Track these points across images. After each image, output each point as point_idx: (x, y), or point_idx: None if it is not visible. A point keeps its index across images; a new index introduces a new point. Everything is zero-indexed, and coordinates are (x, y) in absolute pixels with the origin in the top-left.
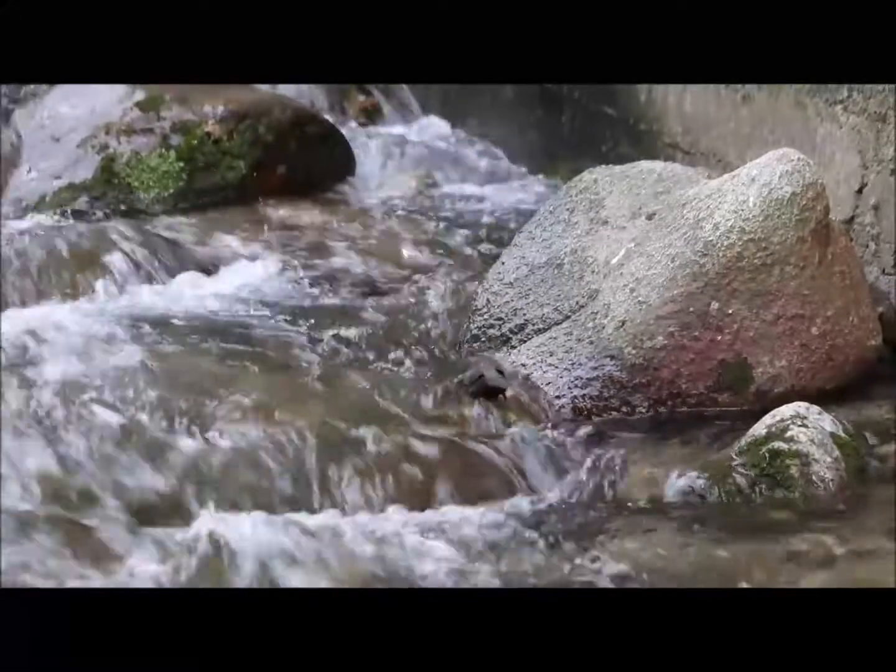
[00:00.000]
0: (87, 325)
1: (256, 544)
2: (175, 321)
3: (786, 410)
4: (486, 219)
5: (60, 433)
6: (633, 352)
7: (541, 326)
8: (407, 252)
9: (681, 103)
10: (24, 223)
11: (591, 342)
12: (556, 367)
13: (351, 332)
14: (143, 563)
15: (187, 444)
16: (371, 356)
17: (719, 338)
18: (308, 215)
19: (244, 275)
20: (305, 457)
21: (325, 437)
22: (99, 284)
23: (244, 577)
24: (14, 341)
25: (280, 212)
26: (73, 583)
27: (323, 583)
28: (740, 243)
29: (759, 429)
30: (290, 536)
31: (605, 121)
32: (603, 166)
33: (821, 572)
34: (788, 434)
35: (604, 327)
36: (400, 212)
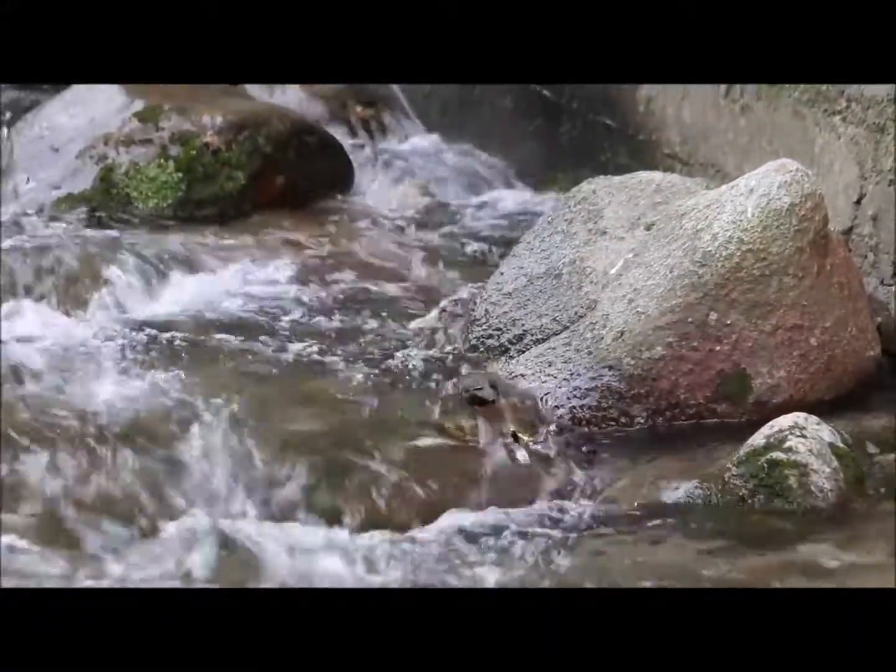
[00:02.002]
0: (82, 335)
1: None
2: (173, 331)
3: (784, 421)
4: (484, 229)
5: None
6: (632, 362)
7: (539, 337)
8: (403, 261)
9: (679, 114)
10: (22, 233)
11: (590, 352)
12: (555, 378)
13: (351, 342)
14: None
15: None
16: (370, 365)
17: (718, 348)
18: (306, 225)
19: (243, 284)
20: (304, 467)
21: (326, 448)
22: (96, 295)
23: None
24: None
25: (279, 222)
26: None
27: None
28: (739, 254)
29: (758, 439)
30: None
31: (604, 131)
32: (602, 177)
33: (819, 582)
34: (787, 444)
35: (602, 338)
36: (397, 222)
